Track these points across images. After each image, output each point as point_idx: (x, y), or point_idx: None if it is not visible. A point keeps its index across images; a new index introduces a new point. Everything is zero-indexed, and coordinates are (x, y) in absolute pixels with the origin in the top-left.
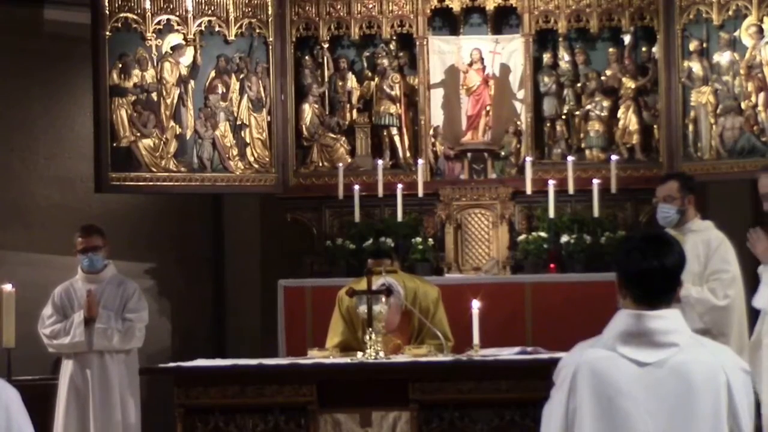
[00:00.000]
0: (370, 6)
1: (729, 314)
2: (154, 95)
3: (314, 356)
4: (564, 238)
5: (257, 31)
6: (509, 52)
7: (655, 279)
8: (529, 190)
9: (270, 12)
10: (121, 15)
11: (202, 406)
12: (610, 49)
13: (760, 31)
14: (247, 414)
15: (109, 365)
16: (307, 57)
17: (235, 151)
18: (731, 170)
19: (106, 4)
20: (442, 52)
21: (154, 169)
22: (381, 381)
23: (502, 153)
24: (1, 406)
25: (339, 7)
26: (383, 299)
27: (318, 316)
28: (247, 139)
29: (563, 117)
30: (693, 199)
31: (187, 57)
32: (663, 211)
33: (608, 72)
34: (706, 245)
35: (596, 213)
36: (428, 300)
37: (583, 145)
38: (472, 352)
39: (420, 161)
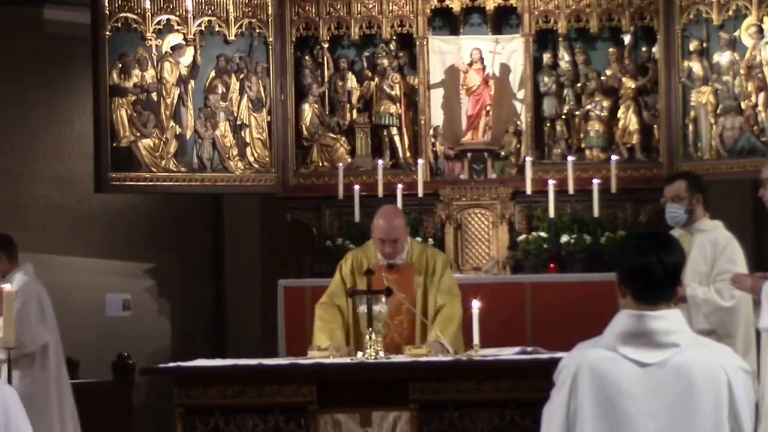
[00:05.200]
0: (370, 6)
1: (735, 315)
2: (154, 95)
3: (314, 356)
4: (564, 238)
5: (257, 31)
6: (509, 52)
7: (653, 273)
8: (529, 190)
9: (270, 12)
10: (121, 15)
11: (202, 406)
12: (610, 49)
13: (760, 31)
14: (247, 414)
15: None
16: (307, 57)
17: (235, 151)
18: (731, 170)
19: (106, 4)
20: (442, 52)
21: (154, 169)
22: (381, 381)
23: (502, 153)
24: None
25: (339, 7)
26: (383, 299)
27: None
28: (247, 139)
29: (563, 117)
30: (701, 199)
31: (187, 57)
32: (671, 211)
33: (608, 72)
34: (713, 245)
35: (596, 213)
36: (435, 258)
37: (583, 145)
38: (472, 352)
39: (420, 161)
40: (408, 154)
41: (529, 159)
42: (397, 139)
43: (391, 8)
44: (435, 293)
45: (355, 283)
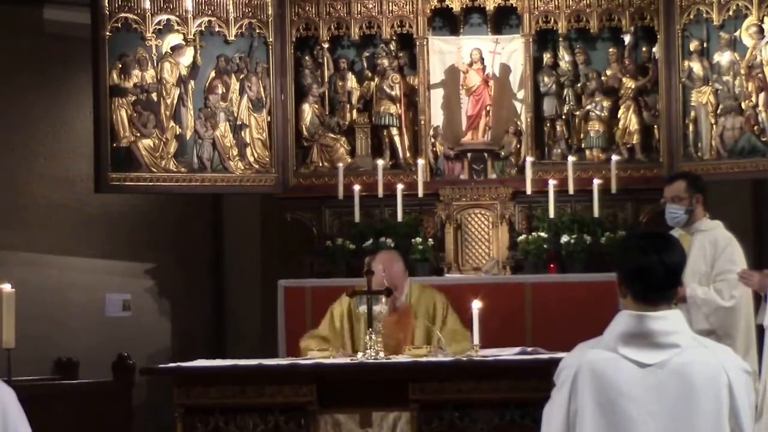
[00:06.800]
0: (370, 6)
1: (735, 315)
2: (154, 95)
3: (314, 356)
4: (564, 238)
5: (257, 31)
6: (509, 52)
7: (654, 274)
8: (529, 190)
9: (270, 12)
10: (121, 15)
11: (202, 406)
12: (610, 49)
13: (761, 31)
14: (247, 414)
15: None
16: (307, 57)
17: (235, 151)
18: (731, 170)
19: (106, 4)
20: (442, 52)
21: (154, 169)
22: (381, 381)
23: (502, 153)
24: None
25: (339, 7)
26: (383, 299)
27: (318, 316)
28: (247, 139)
29: (563, 117)
30: (701, 199)
31: (187, 57)
32: (671, 211)
33: (608, 72)
34: (713, 245)
35: (596, 213)
36: (435, 301)
37: (583, 145)
38: (472, 352)
39: (420, 161)
40: (408, 154)
41: (529, 159)
42: (397, 139)
43: (391, 8)
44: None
45: (352, 328)
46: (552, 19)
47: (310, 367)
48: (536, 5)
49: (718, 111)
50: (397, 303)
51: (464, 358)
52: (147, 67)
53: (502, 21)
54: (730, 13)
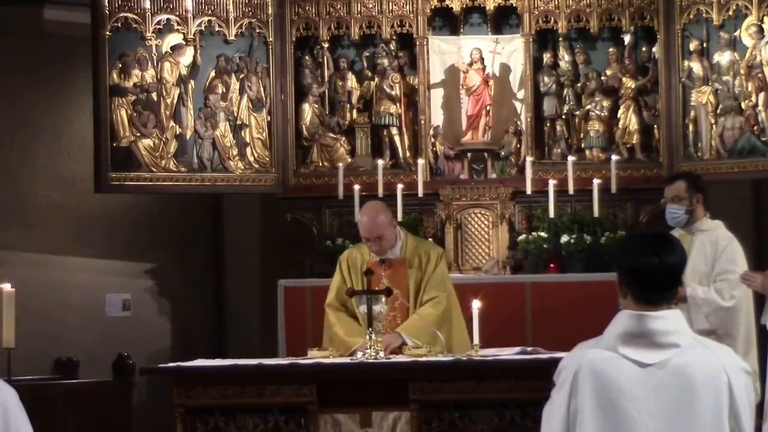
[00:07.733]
0: (370, 6)
1: (735, 315)
2: (154, 95)
3: (314, 356)
4: (564, 238)
5: (257, 31)
6: (509, 52)
7: (654, 276)
8: (529, 190)
9: (270, 12)
10: (121, 15)
11: (202, 406)
12: (610, 49)
13: (760, 30)
14: (247, 414)
15: None
16: (307, 57)
17: (235, 151)
18: (731, 170)
19: (106, 4)
20: (442, 52)
21: (154, 169)
22: (381, 381)
23: (502, 153)
24: None
25: (339, 7)
26: (383, 299)
27: (318, 316)
28: (247, 139)
29: (563, 117)
30: (701, 198)
31: (187, 57)
32: (671, 211)
33: (608, 72)
34: (713, 245)
35: (596, 213)
36: (429, 252)
37: (583, 145)
38: (472, 352)
39: (420, 161)
40: (408, 154)
41: (529, 159)
42: (397, 139)
43: (391, 8)
44: (424, 288)
45: (352, 281)
46: (552, 19)
47: (310, 367)
48: (536, 5)
49: (718, 111)
50: (389, 255)
51: (464, 358)
52: (147, 66)
53: (502, 21)
54: (730, 12)
